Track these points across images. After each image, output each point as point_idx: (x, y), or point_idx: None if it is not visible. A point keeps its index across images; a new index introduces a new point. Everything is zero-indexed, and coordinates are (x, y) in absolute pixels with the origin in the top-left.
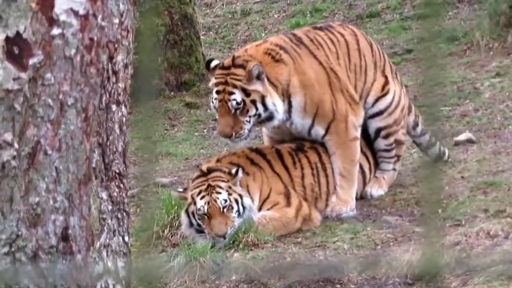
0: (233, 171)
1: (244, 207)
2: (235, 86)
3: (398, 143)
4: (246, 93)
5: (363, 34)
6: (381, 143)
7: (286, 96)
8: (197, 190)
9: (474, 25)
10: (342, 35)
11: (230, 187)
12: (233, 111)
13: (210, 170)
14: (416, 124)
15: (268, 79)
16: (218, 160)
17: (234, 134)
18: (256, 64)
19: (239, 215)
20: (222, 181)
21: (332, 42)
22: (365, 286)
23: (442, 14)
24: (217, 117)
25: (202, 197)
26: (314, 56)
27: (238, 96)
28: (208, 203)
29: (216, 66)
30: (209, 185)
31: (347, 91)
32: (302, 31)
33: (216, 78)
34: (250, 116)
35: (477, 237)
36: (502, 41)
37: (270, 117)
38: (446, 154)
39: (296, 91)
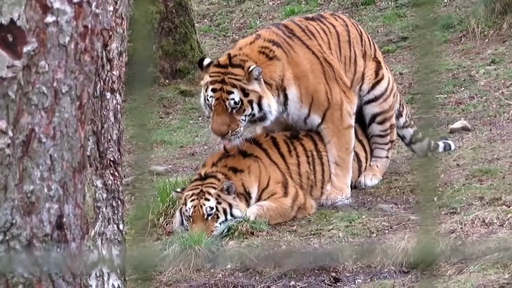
0: (225, 186)
1: (233, 217)
2: (234, 86)
3: (392, 127)
4: (245, 93)
5: (354, 24)
6: (376, 129)
7: (281, 90)
8: (191, 192)
9: (469, 12)
10: (334, 26)
11: (219, 196)
12: (229, 110)
13: (206, 176)
14: (399, 114)
15: (264, 78)
16: (213, 164)
17: (230, 132)
18: (256, 66)
19: (225, 222)
20: (214, 188)
21: (324, 32)
22: (360, 274)
23: (437, 2)
24: (209, 114)
25: (192, 200)
26: (307, 47)
27: (236, 95)
28: (195, 207)
29: (209, 64)
30: (201, 191)
31: (341, 79)
32: (294, 22)
33: (211, 76)
34: (245, 116)
35: (472, 225)
36: (497, 29)
37: (263, 118)
38: (441, 147)
39: (290, 83)
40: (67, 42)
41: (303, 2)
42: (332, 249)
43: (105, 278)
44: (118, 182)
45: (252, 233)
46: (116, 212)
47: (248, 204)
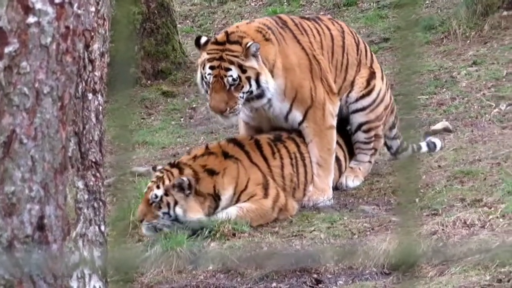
0: (176, 182)
1: (175, 214)
2: (231, 62)
3: (377, 137)
4: (243, 69)
5: (351, 32)
6: (361, 136)
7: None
8: (156, 173)
9: (451, 13)
10: (329, 29)
11: (169, 189)
12: (228, 87)
13: (176, 165)
14: (393, 126)
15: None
16: (194, 158)
17: (228, 109)
18: (254, 42)
19: (169, 217)
20: (169, 180)
21: (318, 32)
22: (341, 276)
23: (419, 3)
24: (206, 92)
25: (150, 181)
26: (297, 41)
27: (234, 72)
28: (148, 188)
29: (207, 42)
30: (160, 177)
31: (326, 80)
32: (289, 16)
33: (209, 54)
34: (243, 93)
35: (454, 226)
36: (479, 30)
37: (261, 95)
38: (423, 147)
39: (278, 74)
40: (48, 43)
41: (285, 3)
42: (313, 251)
43: (87, 280)
44: (100, 183)
45: (234, 235)
46: (97, 213)
47: (216, 206)
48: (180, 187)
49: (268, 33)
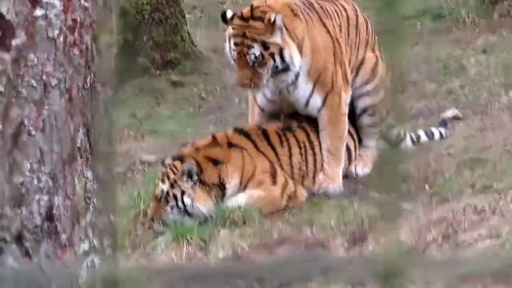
0: (185, 168)
1: (184, 204)
2: (254, 40)
3: (382, 120)
4: (265, 46)
5: (360, 11)
6: (367, 120)
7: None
8: (163, 170)
9: (460, 2)
10: (345, 10)
11: (175, 181)
12: (251, 63)
13: (179, 158)
14: (387, 112)
15: (287, 30)
16: (197, 149)
17: (252, 85)
18: (277, 14)
19: (178, 210)
20: (174, 173)
21: (337, 14)
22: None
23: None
24: (233, 64)
25: (157, 179)
26: (323, 24)
27: (257, 50)
28: (155, 186)
29: (233, 17)
30: (164, 173)
31: (344, 66)
32: None
33: (233, 29)
34: (268, 68)
35: (464, 212)
36: (488, 18)
37: (286, 68)
38: (423, 137)
39: (306, 52)
40: (56, 36)
41: None
42: (324, 238)
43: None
44: (109, 173)
45: (244, 222)
46: (107, 202)
47: (223, 195)
48: (189, 174)
49: (297, 10)
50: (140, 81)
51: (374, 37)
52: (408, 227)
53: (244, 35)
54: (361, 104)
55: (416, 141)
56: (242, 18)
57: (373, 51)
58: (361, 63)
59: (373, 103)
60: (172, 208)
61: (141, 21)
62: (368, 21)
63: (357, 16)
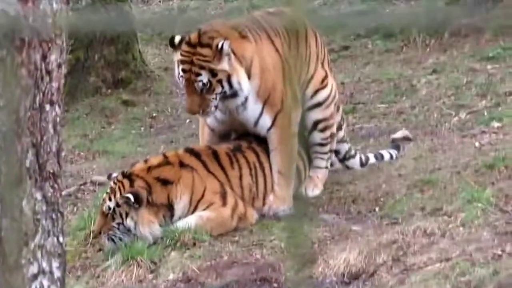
0: (131, 197)
1: (126, 227)
2: (202, 67)
3: (333, 137)
4: (213, 73)
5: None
6: (317, 137)
7: (248, 76)
8: (110, 184)
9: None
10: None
11: (120, 202)
12: (199, 90)
13: (128, 176)
14: (339, 127)
15: (235, 54)
16: (148, 170)
17: (201, 111)
18: (224, 41)
19: (124, 227)
20: (120, 192)
21: (285, 29)
22: (301, 286)
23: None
24: (182, 89)
25: (105, 193)
26: (272, 42)
27: (204, 77)
28: (103, 200)
29: (181, 42)
30: (113, 189)
31: (294, 85)
32: (259, 14)
33: (182, 55)
34: (216, 94)
35: (414, 235)
36: (438, 38)
37: (235, 94)
38: (371, 159)
39: (255, 73)
40: (4, 56)
41: (246, 11)
42: (274, 260)
43: None
44: (58, 194)
45: (194, 244)
46: (56, 224)
47: (171, 215)
48: (127, 203)
49: (245, 31)
50: (91, 100)
51: (324, 52)
52: (357, 249)
53: (192, 62)
54: (312, 117)
55: (365, 163)
56: (190, 44)
57: (322, 65)
58: (311, 77)
59: (323, 117)
60: (118, 225)
61: (92, 39)
62: (318, 36)
63: (306, 30)
